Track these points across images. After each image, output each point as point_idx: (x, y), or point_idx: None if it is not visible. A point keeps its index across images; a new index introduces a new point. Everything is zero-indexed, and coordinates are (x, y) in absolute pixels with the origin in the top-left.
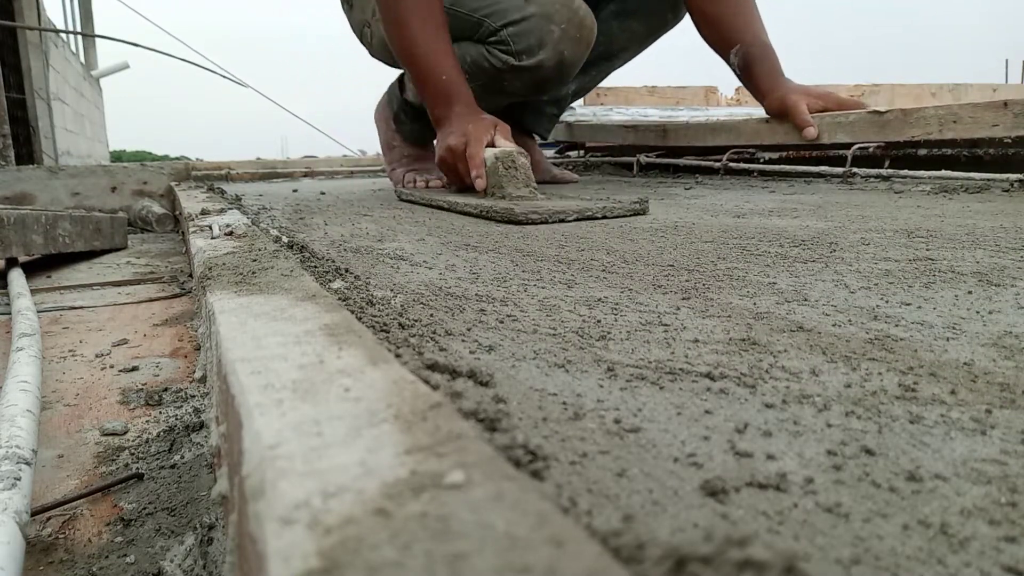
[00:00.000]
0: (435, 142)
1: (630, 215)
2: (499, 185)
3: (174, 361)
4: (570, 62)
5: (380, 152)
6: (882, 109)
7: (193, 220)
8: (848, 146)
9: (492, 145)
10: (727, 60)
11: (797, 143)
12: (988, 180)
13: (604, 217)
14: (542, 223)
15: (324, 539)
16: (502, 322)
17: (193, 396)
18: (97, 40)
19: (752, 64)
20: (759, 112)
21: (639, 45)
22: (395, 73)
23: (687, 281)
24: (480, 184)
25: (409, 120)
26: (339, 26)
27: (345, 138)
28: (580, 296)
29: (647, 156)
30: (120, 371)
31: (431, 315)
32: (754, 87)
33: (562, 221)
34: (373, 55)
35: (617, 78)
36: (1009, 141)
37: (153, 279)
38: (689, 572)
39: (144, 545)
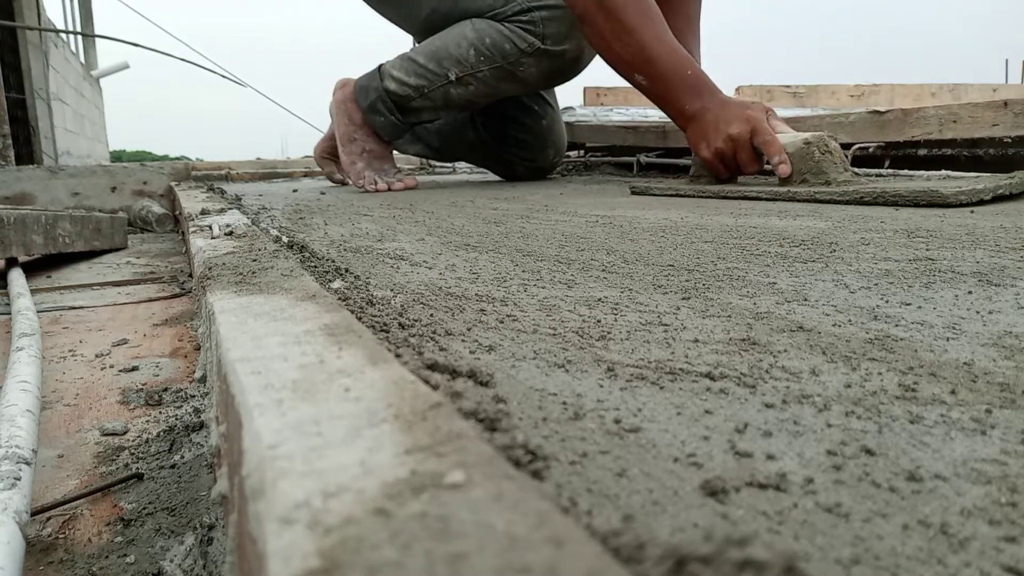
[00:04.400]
0: (697, 137)
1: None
2: (817, 171)
3: (174, 361)
4: (586, 59)
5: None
6: (882, 109)
7: (193, 220)
8: (848, 146)
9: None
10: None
11: None
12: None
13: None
14: (977, 203)
15: (324, 539)
16: (502, 322)
17: (193, 396)
18: (97, 40)
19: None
20: None
21: None
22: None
23: (687, 281)
24: (785, 170)
25: (387, 112)
26: (339, 25)
27: None
28: (580, 296)
29: (647, 156)
30: (120, 371)
31: (431, 315)
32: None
33: (982, 202)
34: None
35: (617, 78)
36: (1009, 141)
37: (153, 279)
38: (689, 572)
39: (144, 545)
